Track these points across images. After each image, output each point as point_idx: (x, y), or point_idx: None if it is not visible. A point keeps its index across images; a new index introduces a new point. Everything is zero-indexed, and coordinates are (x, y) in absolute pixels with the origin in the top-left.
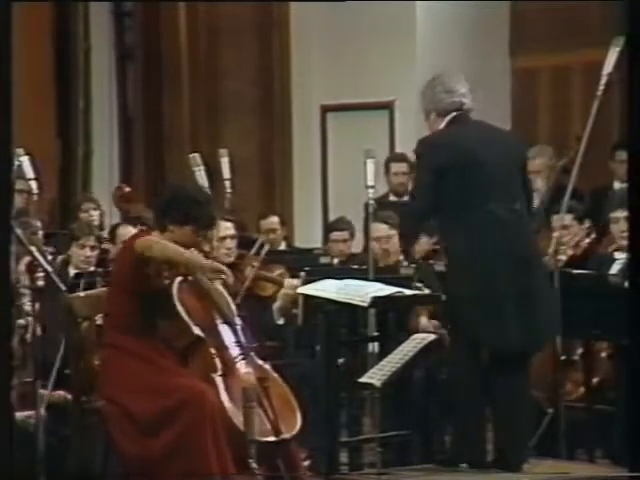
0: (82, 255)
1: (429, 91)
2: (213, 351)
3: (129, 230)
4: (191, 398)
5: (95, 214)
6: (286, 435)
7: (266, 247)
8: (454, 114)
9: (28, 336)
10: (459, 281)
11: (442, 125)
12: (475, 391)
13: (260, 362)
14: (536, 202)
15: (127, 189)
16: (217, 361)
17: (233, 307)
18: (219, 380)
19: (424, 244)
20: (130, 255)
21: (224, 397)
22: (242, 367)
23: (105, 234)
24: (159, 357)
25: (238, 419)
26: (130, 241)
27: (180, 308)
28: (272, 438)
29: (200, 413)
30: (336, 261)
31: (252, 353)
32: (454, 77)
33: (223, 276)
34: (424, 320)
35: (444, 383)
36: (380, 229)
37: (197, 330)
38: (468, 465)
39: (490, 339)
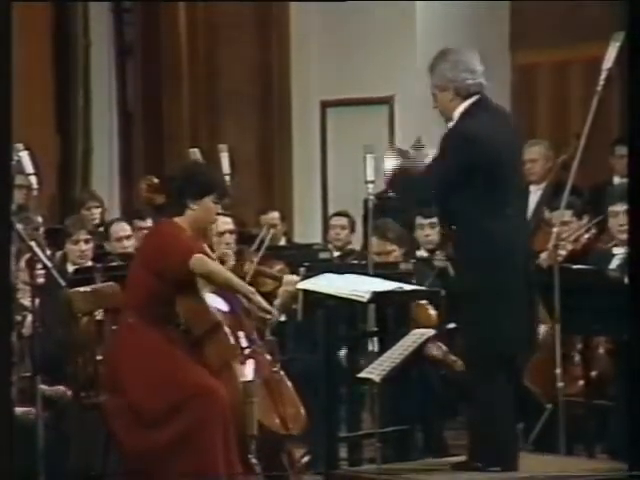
0: (77, 250)
1: (447, 67)
2: (232, 339)
3: (122, 227)
4: (202, 394)
5: (97, 212)
6: (293, 432)
7: (267, 240)
8: (475, 98)
9: (24, 331)
10: (473, 284)
11: (462, 107)
12: (506, 394)
13: (269, 357)
14: (533, 196)
15: (155, 180)
16: (234, 347)
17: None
18: (237, 366)
19: (433, 234)
20: (181, 263)
21: (247, 372)
22: (255, 359)
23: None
24: (174, 347)
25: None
26: (160, 238)
27: (203, 293)
28: (281, 432)
29: (210, 410)
30: (335, 254)
31: (262, 349)
32: (472, 54)
33: (268, 316)
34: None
35: (446, 378)
36: (379, 244)
37: (217, 314)
38: (501, 469)
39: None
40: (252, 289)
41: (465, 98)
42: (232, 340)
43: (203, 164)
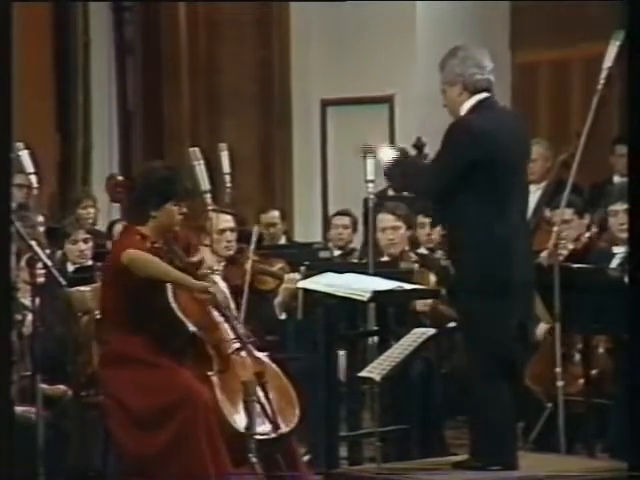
0: (76, 250)
1: (456, 62)
2: (210, 349)
3: None
4: (186, 397)
5: (92, 211)
6: (285, 429)
7: (255, 233)
8: (483, 96)
9: (24, 330)
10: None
11: (469, 104)
12: (505, 393)
13: (258, 355)
14: (533, 195)
15: (120, 177)
16: (213, 358)
17: (230, 300)
18: (215, 379)
19: (434, 233)
20: (117, 262)
21: (219, 397)
22: (240, 361)
23: (101, 229)
24: (153, 355)
25: (233, 418)
26: (117, 245)
27: (174, 305)
28: (271, 435)
29: (194, 412)
30: (336, 253)
31: (250, 346)
32: (481, 50)
33: (206, 296)
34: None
35: (450, 378)
36: (387, 219)
37: (192, 327)
38: (502, 468)
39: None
40: (181, 274)
41: (473, 94)
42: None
43: (160, 170)
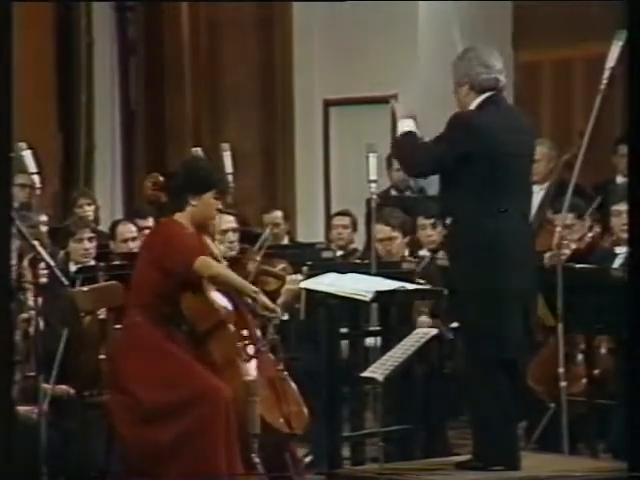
0: (81, 249)
1: (463, 63)
2: (236, 334)
3: (129, 228)
4: (206, 394)
5: (89, 209)
6: (297, 431)
7: (266, 235)
8: (489, 94)
9: (31, 330)
10: (464, 281)
11: (476, 102)
12: (506, 394)
13: (271, 356)
14: (536, 196)
15: (161, 178)
16: (239, 345)
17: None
18: (241, 363)
19: (435, 234)
20: (185, 264)
21: (251, 370)
22: (253, 360)
23: (102, 229)
24: (176, 347)
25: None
26: (176, 236)
27: (208, 288)
28: (286, 430)
29: (213, 411)
30: (338, 254)
31: (265, 347)
32: (490, 51)
33: (273, 315)
34: (424, 318)
35: (450, 378)
36: (382, 230)
37: (225, 305)
38: (504, 468)
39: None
40: (255, 288)
41: (479, 93)
42: (236, 338)
43: (204, 160)
